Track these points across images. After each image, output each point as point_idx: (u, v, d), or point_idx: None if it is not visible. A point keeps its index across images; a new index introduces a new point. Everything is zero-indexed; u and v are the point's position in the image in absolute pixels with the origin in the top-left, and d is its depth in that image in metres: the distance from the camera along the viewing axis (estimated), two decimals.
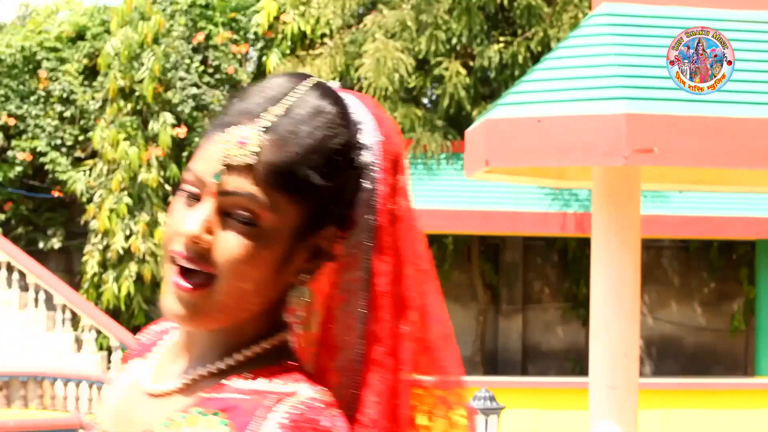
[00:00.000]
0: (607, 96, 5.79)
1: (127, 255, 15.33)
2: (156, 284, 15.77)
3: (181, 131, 15.61)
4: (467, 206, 13.93)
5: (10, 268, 15.21)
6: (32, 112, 16.16)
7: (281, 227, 1.40)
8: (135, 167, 15.31)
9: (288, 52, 15.78)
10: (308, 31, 15.67)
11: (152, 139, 15.55)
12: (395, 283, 1.45)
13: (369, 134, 1.45)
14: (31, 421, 12.38)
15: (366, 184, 1.45)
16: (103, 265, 15.56)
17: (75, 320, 15.26)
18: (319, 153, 1.40)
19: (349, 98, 1.47)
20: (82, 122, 16.23)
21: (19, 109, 16.19)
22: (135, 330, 15.79)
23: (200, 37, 16.00)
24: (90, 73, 16.42)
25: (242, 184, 1.39)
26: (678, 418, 14.15)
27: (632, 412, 6.31)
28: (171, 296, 1.41)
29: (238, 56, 16.14)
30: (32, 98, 16.24)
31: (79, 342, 14.99)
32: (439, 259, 16.50)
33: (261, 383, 1.39)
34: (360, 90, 14.95)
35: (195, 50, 16.08)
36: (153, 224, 15.38)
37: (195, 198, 1.45)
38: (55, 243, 16.33)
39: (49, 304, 15.09)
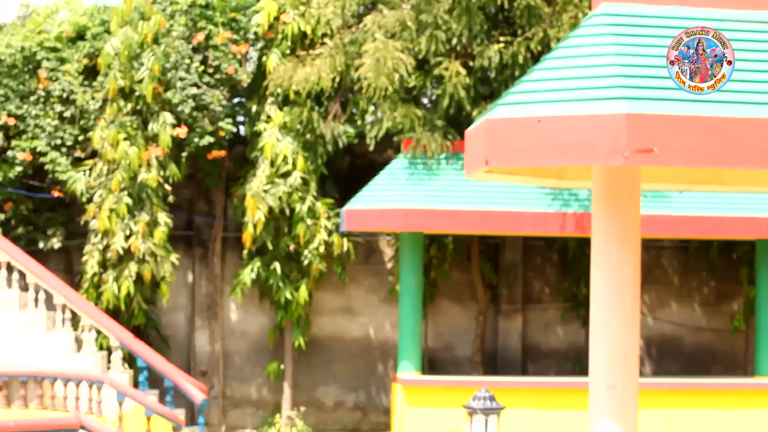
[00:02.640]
0: (607, 96, 5.79)
1: (127, 255, 15.33)
2: (156, 284, 15.77)
3: (181, 131, 15.60)
4: (467, 206, 13.92)
5: (10, 268, 15.21)
6: (32, 112, 16.15)
7: None
8: (135, 167, 15.31)
9: (288, 52, 15.78)
10: (308, 31, 15.66)
11: (152, 139, 15.54)
12: None
13: None
14: (31, 421, 12.37)
15: None
16: (103, 265, 15.55)
17: (75, 320, 15.25)
18: None
19: None
20: (82, 122, 16.22)
21: (19, 109, 16.19)
22: (135, 330, 15.80)
23: (200, 37, 15.99)
24: (90, 73, 16.42)
25: None
26: (678, 418, 14.14)
27: (632, 412, 6.31)
28: None
29: (238, 56, 16.13)
30: (32, 98, 16.24)
31: (79, 342, 14.99)
32: (439, 259, 16.50)
33: None
34: (360, 90, 14.94)
35: (195, 50, 16.07)
36: (153, 224, 15.38)
37: None
38: (55, 243, 16.33)
39: (49, 304, 15.10)
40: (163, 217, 15.43)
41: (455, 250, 16.45)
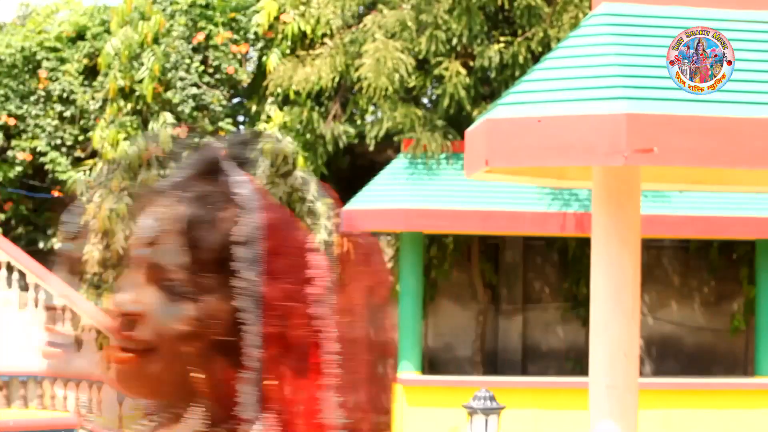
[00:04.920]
0: (607, 96, 5.79)
1: (127, 255, 15.31)
2: None
3: (181, 131, 15.61)
4: (467, 206, 13.92)
5: (10, 268, 15.21)
6: (32, 112, 16.15)
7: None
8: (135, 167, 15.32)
9: (288, 52, 15.78)
10: (308, 31, 15.67)
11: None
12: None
13: None
14: (31, 421, 12.39)
15: None
16: (103, 265, 15.55)
17: (75, 320, 15.24)
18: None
19: None
20: (82, 122, 16.23)
21: (19, 109, 16.19)
22: None
23: (200, 37, 16.00)
24: (90, 73, 16.42)
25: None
26: (678, 418, 14.14)
27: (632, 412, 6.31)
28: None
29: (238, 56, 16.14)
30: (32, 98, 16.24)
31: (79, 342, 14.96)
32: (439, 259, 16.50)
33: None
34: (360, 90, 14.95)
35: (195, 50, 16.08)
36: None
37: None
38: (55, 243, 16.33)
39: (49, 304, 15.09)
40: None
41: (455, 250, 16.44)
